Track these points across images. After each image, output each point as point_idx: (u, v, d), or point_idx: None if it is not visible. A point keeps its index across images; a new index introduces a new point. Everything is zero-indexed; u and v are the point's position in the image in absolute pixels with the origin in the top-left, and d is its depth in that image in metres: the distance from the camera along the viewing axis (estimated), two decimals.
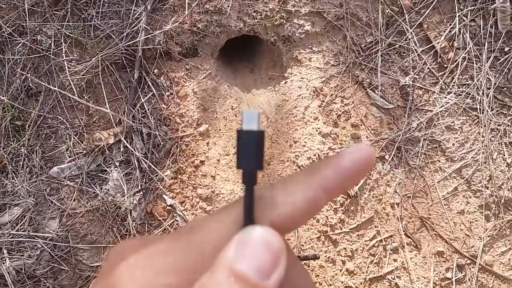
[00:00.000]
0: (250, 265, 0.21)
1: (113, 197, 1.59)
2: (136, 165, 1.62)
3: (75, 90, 1.65)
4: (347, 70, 1.74)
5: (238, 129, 0.24)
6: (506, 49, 1.73)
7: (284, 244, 0.23)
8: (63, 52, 1.69)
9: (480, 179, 1.65)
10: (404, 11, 1.76)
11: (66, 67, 1.67)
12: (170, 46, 1.73)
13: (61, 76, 1.67)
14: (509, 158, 1.67)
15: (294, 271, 0.25)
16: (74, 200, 1.60)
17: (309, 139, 1.65)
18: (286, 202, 0.24)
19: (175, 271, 0.23)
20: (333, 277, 1.53)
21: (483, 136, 1.67)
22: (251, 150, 0.24)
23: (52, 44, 1.69)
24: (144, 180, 1.62)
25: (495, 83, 1.70)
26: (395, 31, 1.76)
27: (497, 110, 1.70)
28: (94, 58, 1.68)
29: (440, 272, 1.56)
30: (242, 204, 0.24)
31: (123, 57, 1.70)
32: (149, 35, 1.71)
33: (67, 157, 1.64)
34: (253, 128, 0.24)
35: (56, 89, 1.65)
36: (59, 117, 1.66)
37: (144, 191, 1.62)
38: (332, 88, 1.72)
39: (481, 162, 1.66)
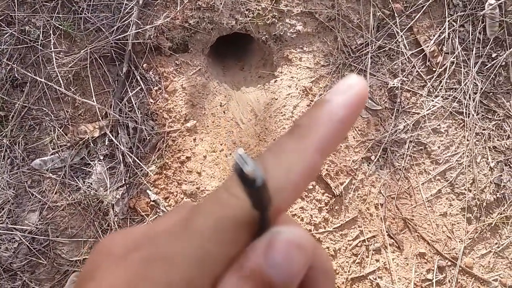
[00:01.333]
0: (280, 271, 0.20)
1: (96, 191, 1.58)
2: (121, 159, 1.60)
3: (61, 82, 1.63)
4: (336, 70, 1.74)
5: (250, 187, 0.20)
6: (494, 55, 1.75)
7: (313, 241, 0.21)
8: (52, 43, 1.67)
9: (464, 182, 1.66)
10: (395, 14, 1.77)
11: (54, 59, 1.65)
12: (161, 41, 1.72)
13: (48, 68, 1.66)
14: (492, 162, 1.68)
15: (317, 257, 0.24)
16: (55, 193, 1.58)
17: None
18: (287, 182, 0.22)
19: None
20: None
21: (468, 140, 1.69)
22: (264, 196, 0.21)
23: (41, 35, 1.68)
24: (128, 175, 1.61)
25: (481, 88, 1.71)
26: (385, 34, 1.77)
27: (483, 115, 1.72)
28: (82, 51, 1.67)
29: (421, 273, 1.57)
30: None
31: (112, 51, 1.68)
32: (139, 29, 1.70)
33: (50, 149, 1.62)
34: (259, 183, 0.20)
35: (43, 80, 1.63)
36: (44, 109, 1.65)
37: (127, 185, 1.61)
38: (321, 88, 1.73)
39: (465, 166, 1.67)
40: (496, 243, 1.62)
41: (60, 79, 1.64)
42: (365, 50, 1.75)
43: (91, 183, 1.59)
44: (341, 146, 1.67)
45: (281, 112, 1.71)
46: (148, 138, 1.64)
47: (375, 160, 1.67)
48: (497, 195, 1.65)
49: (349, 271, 1.55)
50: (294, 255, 0.20)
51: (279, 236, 0.20)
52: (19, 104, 1.62)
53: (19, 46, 1.66)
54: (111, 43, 1.67)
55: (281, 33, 1.77)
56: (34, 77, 1.64)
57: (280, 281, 0.20)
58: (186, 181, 1.62)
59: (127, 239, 0.23)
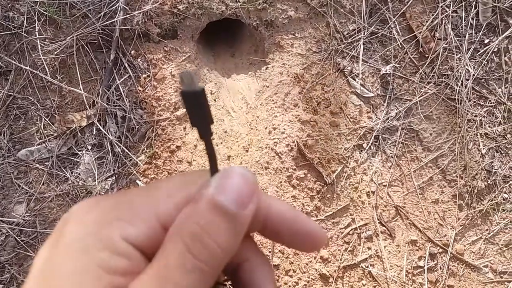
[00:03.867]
0: (229, 197, 0.23)
1: (84, 182, 1.55)
2: (109, 149, 1.58)
3: (47, 70, 1.59)
4: (328, 57, 1.72)
5: (181, 90, 0.25)
6: (486, 41, 1.74)
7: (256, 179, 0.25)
8: (36, 30, 1.63)
9: (455, 169, 1.67)
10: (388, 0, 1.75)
11: (39, 46, 1.61)
12: (149, 27, 1.68)
13: (33, 55, 1.61)
14: (483, 148, 1.69)
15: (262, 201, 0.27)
16: (43, 184, 1.55)
17: (288, 125, 1.64)
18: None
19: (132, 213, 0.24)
20: (307, 264, 1.54)
21: (460, 127, 1.69)
22: (198, 108, 0.25)
23: (25, 22, 1.63)
24: (117, 165, 1.58)
25: (474, 74, 1.70)
26: (378, 20, 1.74)
27: (475, 101, 1.71)
28: (69, 38, 1.63)
29: (413, 261, 1.58)
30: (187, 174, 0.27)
31: (99, 37, 1.64)
32: (127, 15, 1.66)
33: (37, 139, 1.59)
34: (194, 88, 0.25)
35: (28, 68, 1.59)
36: (30, 98, 1.61)
37: (116, 175, 1.58)
38: (313, 75, 1.70)
39: (457, 152, 1.67)
40: (487, 230, 1.63)
41: (45, 67, 1.59)
42: (358, 36, 1.73)
43: (79, 174, 1.57)
44: (333, 134, 1.66)
45: (273, 100, 1.68)
46: (137, 127, 1.61)
47: (367, 148, 1.66)
48: (488, 182, 1.66)
49: (341, 259, 1.55)
50: (242, 185, 0.24)
51: (232, 168, 0.25)
52: (3, 93, 1.58)
53: (2, 33, 1.61)
54: (98, 30, 1.62)
55: (273, 19, 1.74)
56: (19, 65, 1.59)
57: (230, 207, 0.23)
58: (176, 170, 1.60)
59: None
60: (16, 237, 1.51)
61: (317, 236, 0.28)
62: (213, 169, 0.26)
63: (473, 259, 1.60)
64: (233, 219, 0.23)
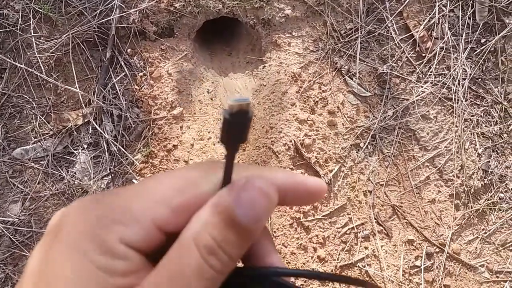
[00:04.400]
0: (245, 212, 0.24)
1: (80, 181, 1.54)
2: (105, 148, 1.56)
3: (43, 68, 1.58)
4: (326, 56, 1.72)
5: (230, 112, 0.24)
6: (483, 40, 1.74)
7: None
8: (31, 28, 1.61)
9: (452, 169, 1.67)
10: None
11: (34, 44, 1.59)
12: (145, 25, 1.67)
13: (29, 53, 1.60)
14: (480, 148, 1.69)
15: None
16: (38, 183, 1.54)
17: (285, 125, 1.64)
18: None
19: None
20: (304, 264, 1.53)
21: (456, 126, 1.69)
22: (240, 129, 0.25)
23: (20, 19, 1.61)
24: (113, 164, 1.57)
25: (470, 74, 1.71)
26: (375, 19, 1.74)
27: (471, 101, 1.72)
28: (64, 35, 1.61)
29: (410, 260, 1.58)
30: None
31: (95, 35, 1.63)
32: (123, 13, 1.64)
33: (32, 138, 1.57)
34: (246, 111, 0.24)
35: (23, 66, 1.57)
36: (25, 96, 1.59)
37: (112, 175, 1.57)
38: (310, 74, 1.70)
39: (454, 152, 1.68)
40: (483, 229, 1.64)
41: (41, 65, 1.58)
42: (355, 35, 1.73)
43: (75, 173, 1.56)
44: (330, 133, 1.65)
45: (270, 99, 1.68)
46: (133, 126, 1.60)
47: (364, 147, 1.66)
48: (485, 181, 1.66)
49: (338, 259, 1.55)
50: (261, 201, 0.24)
51: (252, 182, 0.24)
52: None
53: None
54: (94, 28, 1.61)
55: (270, 17, 1.73)
56: (14, 63, 1.58)
57: (245, 222, 0.24)
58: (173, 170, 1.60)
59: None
60: (11, 237, 1.49)
61: (319, 190, 0.29)
62: (226, 180, 0.26)
63: (469, 259, 1.61)
64: (247, 234, 0.24)
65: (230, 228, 0.24)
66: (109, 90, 1.61)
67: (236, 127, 0.24)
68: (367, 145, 1.66)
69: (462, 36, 1.73)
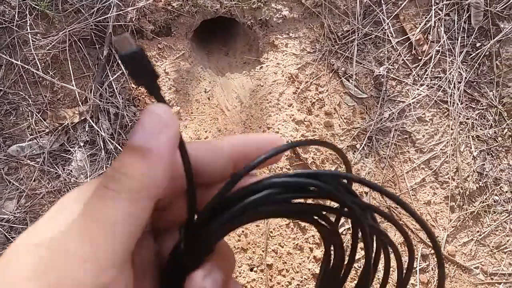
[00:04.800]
0: (138, 135, 0.24)
1: (76, 179, 1.53)
2: (102, 146, 1.56)
3: (39, 65, 1.57)
4: (323, 57, 1.72)
5: (120, 55, 0.25)
6: (478, 44, 1.76)
7: (175, 116, 0.25)
8: (28, 24, 1.60)
9: (447, 171, 1.68)
10: (382, 1, 1.76)
11: (31, 41, 1.58)
12: (143, 24, 1.67)
13: (25, 50, 1.59)
14: (475, 151, 1.71)
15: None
16: (34, 181, 1.52)
17: (282, 125, 1.64)
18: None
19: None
20: (300, 264, 1.54)
21: (452, 129, 1.70)
22: (141, 67, 0.25)
23: (16, 16, 1.60)
24: (110, 162, 1.56)
25: (466, 77, 1.72)
26: (371, 21, 1.75)
27: (466, 104, 1.73)
28: (61, 33, 1.60)
29: (405, 262, 1.59)
30: None
31: (92, 33, 1.62)
32: (121, 11, 1.64)
33: (28, 135, 1.56)
34: (133, 49, 0.25)
35: (19, 63, 1.56)
36: (21, 93, 1.58)
37: None
38: (307, 75, 1.71)
39: (449, 154, 1.69)
40: (478, 231, 1.65)
41: (37, 62, 1.57)
42: (351, 37, 1.74)
43: (71, 171, 1.54)
44: (326, 134, 1.66)
45: (267, 99, 1.68)
46: (130, 124, 1.60)
47: (360, 149, 1.67)
48: (480, 184, 1.68)
49: None
50: (149, 120, 0.24)
51: (142, 111, 0.25)
52: None
53: None
54: (91, 25, 1.60)
55: (267, 18, 1.74)
56: (10, 59, 1.57)
57: (141, 143, 0.24)
58: None
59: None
60: (6, 234, 1.48)
61: (273, 141, 0.30)
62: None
63: (464, 261, 1.62)
64: (145, 153, 0.24)
65: (128, 154, 0.24)
66: (106, 88, 1.60)
67: (135, 65, 0.25)
68: (363, 147, 1.67)
69: (457, 39, 1.75)
